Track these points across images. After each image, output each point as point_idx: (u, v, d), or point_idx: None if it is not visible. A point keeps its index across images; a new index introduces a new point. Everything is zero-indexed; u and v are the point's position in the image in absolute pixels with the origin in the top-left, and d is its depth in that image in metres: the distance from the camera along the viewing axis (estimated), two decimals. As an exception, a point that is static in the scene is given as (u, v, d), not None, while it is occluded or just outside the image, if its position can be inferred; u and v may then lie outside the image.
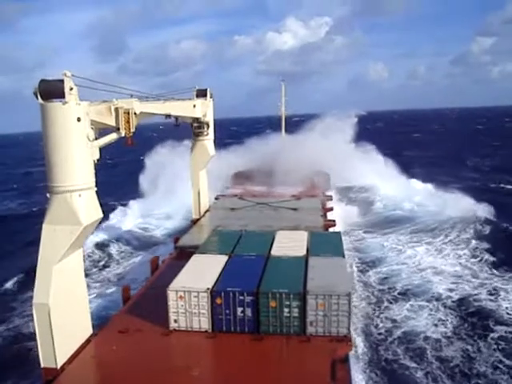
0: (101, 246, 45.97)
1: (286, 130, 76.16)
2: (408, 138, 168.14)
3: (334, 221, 37.94)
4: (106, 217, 31.30)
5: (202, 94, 37.66)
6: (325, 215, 39.95)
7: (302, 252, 25.77)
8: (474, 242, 42.66)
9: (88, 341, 20.70)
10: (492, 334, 27.42)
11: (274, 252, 25.88)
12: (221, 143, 54.52)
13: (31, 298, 18.70)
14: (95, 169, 19.73)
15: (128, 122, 20.65)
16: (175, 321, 21.23)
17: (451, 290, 33.10)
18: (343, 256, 25.17)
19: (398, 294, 33.40)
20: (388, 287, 34.67)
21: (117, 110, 20.41)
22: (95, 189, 19.71)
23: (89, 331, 21.15)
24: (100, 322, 23.70)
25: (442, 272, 36.53)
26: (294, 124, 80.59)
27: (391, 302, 32.20)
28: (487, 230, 45.77)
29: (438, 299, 31.95)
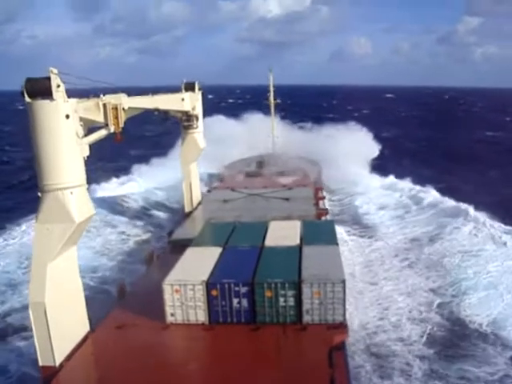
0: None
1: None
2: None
3: (326, 209, 38.10)
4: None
5: (190, 87, 37.56)
6: (317, 204, 40.16)
7: (296, 241, 25.89)
8: None
9: (85, 338, 20.73)
10: None
11: (268, 242, 25.99)
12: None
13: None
14: (85, 165, 19.67)
15: (116, 117, 20.51)
16: (172, 314, 21.31)
17: None
18: (336, 244, 25.34)
19: None
20: None
21: (105, 105, 20.24)
22: (86, 186, 19.66)
23: (86, 328, 21.15)
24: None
25: None
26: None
27: None
28: None
29: None
